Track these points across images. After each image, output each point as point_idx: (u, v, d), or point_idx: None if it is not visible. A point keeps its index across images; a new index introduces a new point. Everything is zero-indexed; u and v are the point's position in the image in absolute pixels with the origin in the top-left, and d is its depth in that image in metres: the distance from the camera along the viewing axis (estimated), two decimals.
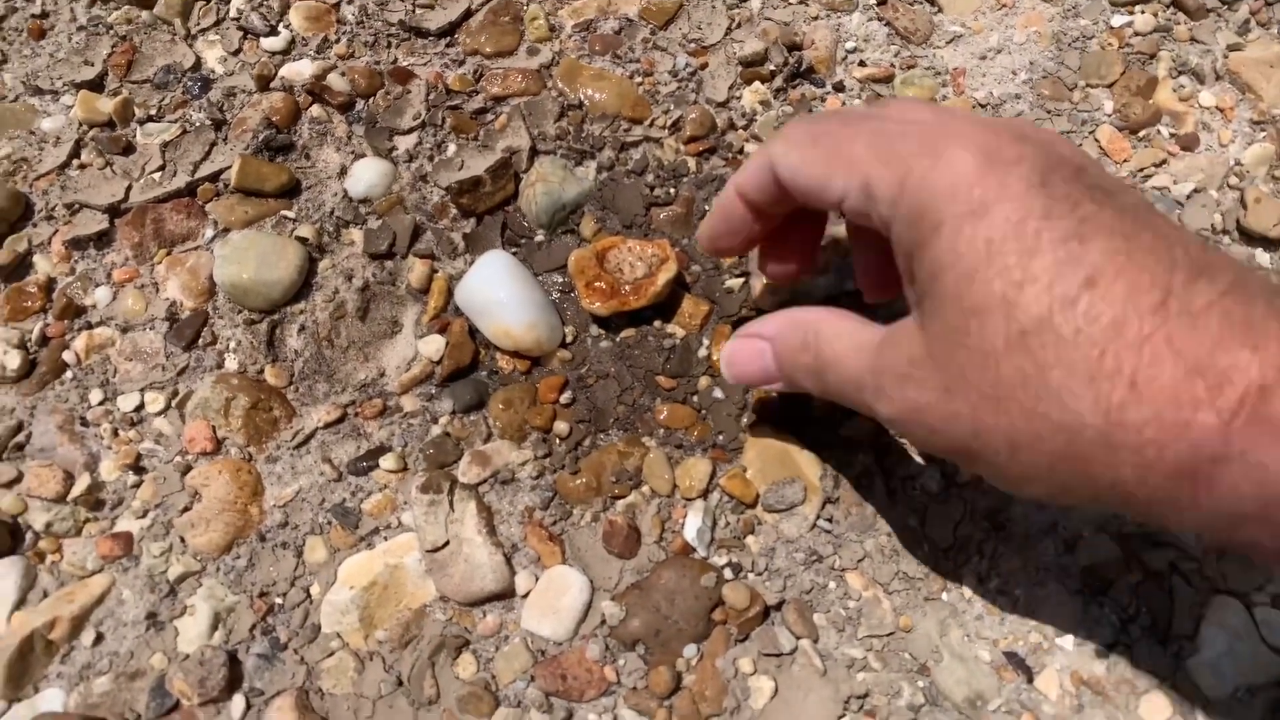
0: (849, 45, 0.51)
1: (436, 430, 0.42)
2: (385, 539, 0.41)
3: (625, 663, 0.38)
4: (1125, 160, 0.47)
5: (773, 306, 0.43)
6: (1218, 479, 0.23)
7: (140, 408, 0.43)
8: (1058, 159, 0.27)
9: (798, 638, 0.39)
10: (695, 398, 0.43)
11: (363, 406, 0.43)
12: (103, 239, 0.46)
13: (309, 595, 0.40)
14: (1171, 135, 0.48)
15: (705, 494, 0.41)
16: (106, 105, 0.48)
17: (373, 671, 0.39)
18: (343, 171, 0.47)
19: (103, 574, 0.40)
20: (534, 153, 0.47)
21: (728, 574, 0.40)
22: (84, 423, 0.42)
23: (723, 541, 0.40)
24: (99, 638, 0.39)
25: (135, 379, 0.43)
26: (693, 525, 0.40)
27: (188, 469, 0.42)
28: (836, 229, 0.43)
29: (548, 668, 0.38)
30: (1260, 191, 0.46)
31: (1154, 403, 0.24)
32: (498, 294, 0.42)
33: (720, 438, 0.42)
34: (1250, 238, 0.45)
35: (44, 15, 0.51)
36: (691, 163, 0.47)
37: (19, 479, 0.41)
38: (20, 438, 0.42)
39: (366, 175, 0.46)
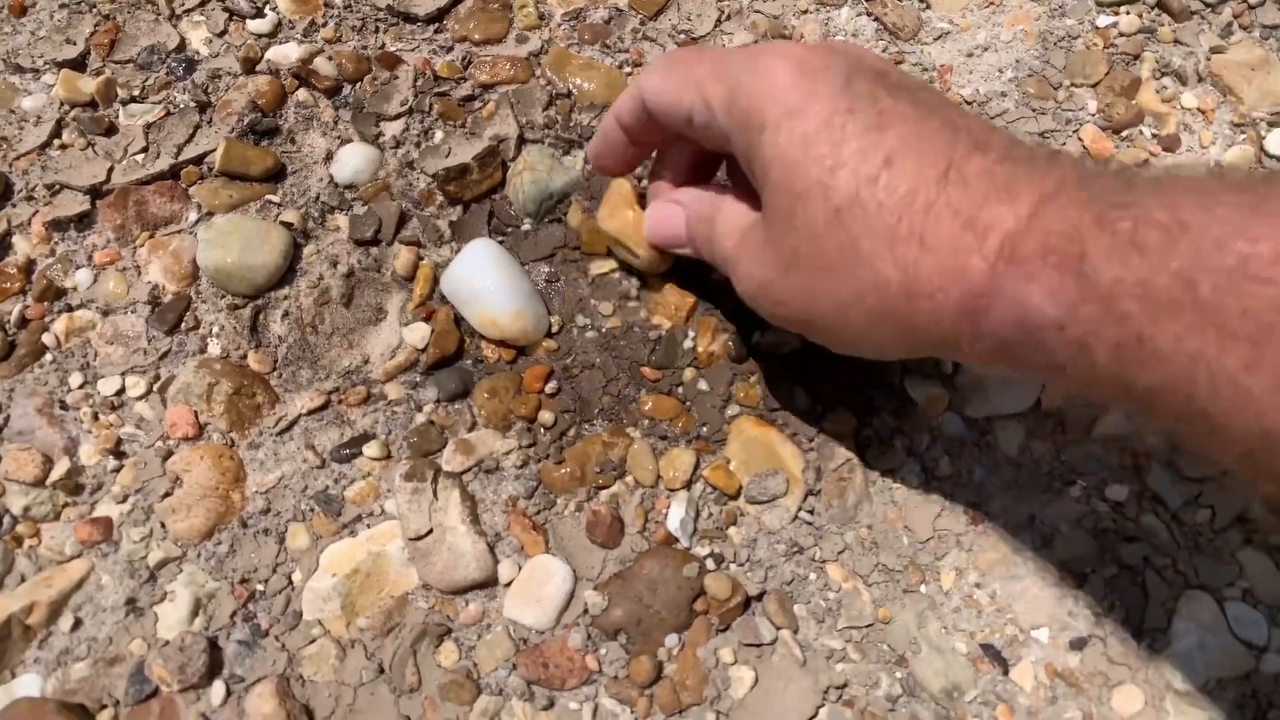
0: (837, 39, 0.51)
1: (421, 418, 0.42)
2: (368, 527, 0.41)
3: (607, 652, 0.39)
4: (1108, 160, 0.48)
5: None
6: (989, 312, 0.27)
7: (121, 392, 0.42)
8: (861, 65, 0.31)
9: (778, 628, 0.39)
10: (680, 389, 0.43)
11: (346, 394, 0.43)
12: (84, 220, 0.45)
13: (291, 582, 0.40)
14: (1154, 136, 0.49)
15: (688, 485, 0.41)
16: (88, 85, 0.47)
17: (354, 659, 0.39)
18: (329, 157, 0.47)
19: (81, 559, 0.40)
20: (522, 141, 0.47)
21: (710, 564, 0.40)
22: (63, 406, 0.42)
23: (705, 532, 0.41)
24: (77, 623, 0.39)
25: (116, 363, 0.43)
26: (676, 516, 0.40)
27: (169, 454, 0.41)
28: None
29: (529, 656, 0.38)
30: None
31: (938, 255, 0.28)
32: (484, 282, 0.42)
33: (704, 429, 0.42)
34: None
35: None
36: None
37: None
38: None
39: (352, 161, 0.46)
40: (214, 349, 0.43)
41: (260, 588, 0.40)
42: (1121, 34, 0.51)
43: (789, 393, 0.43)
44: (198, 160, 0.46)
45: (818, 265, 0.31)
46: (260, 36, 0.49)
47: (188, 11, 0.50)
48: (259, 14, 0.50)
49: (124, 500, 0.41)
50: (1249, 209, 0.23)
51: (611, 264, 0.45)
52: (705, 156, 0.41)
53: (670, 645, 0.39)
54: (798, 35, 0.50)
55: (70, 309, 0.44)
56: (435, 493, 0.40)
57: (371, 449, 0.41)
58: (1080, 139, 0.48)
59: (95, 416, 0.42)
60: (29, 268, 0.44)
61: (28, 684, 0.37)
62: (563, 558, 0.40)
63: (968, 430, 0.43)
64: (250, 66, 0.48)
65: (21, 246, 0.45)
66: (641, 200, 0.42)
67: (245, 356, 0.43)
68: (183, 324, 0.44)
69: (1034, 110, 0.49)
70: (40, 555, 0.40)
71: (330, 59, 0.48)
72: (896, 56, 0.50)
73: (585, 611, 0.39)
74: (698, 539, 0.41)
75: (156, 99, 0.48)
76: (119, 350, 0.43)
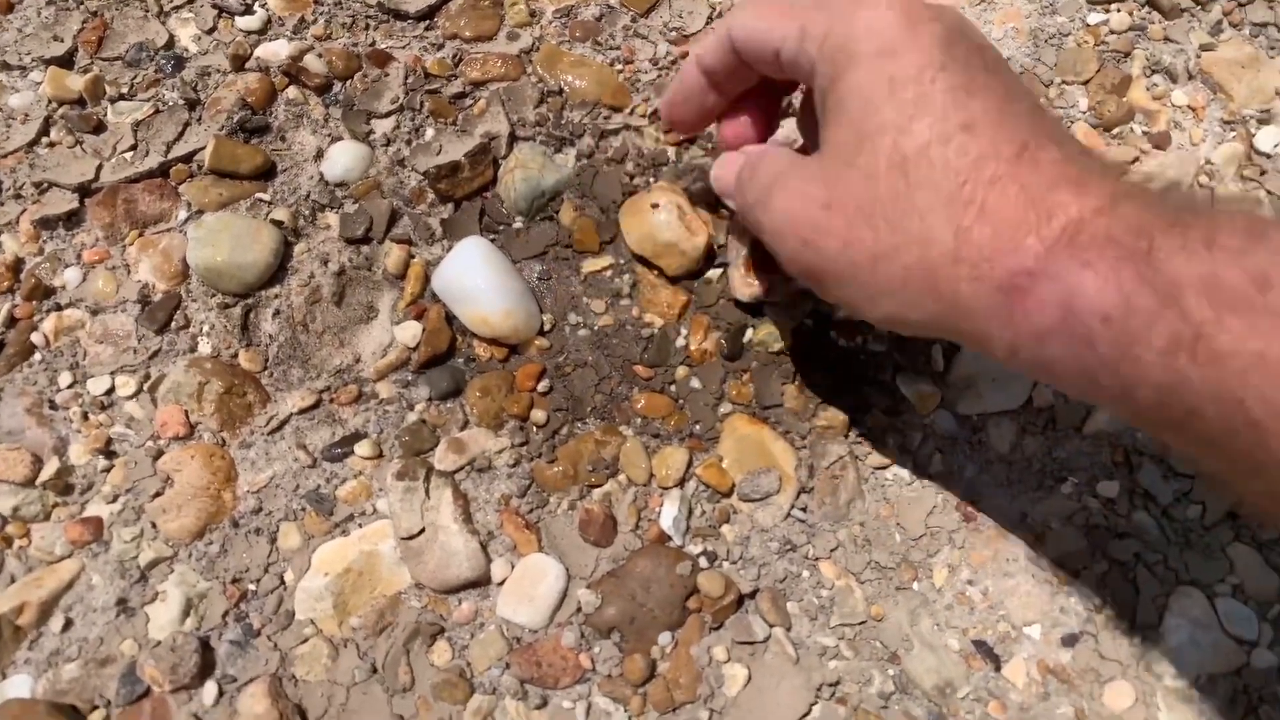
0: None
1: (413, 417, 0.42)
2: (360, 526, 0.41)
3: (600, 650, 0.39)
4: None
5: (750, 299, 0.43)
6: (1032, 292, 0.27)
7: (111, 391, 0.42)
8: (965, 32, 0.31)
9: (771, 626, 0.39)
10: (673, 387, 0.43)
11: (338, 392, 0.43)
12: (72, 219, 0.45)
13: (283, 582, 0.40)
14: (1144, 133, 0.49)
15: (681, 483, 0.41)
16: (76, 82, 0.47)
17: (347, 658, 0.39)
18: (319, 154, 0.47)
19: (72, 559, 0.40)
20: (513, 139, 0.47)
21: (703, 562, 0.40)
22: (53, 405, 0.42)
23: (698, 530, 0.41)
24: (68, 623, 0.39)
25: (106, 362, 0.43)
26: (669, 514, 0.40)
27: (159, 454, 0.41)
28: None
29: (523, 655, 0.38)
30: (1230, 190, 0.46)
31: (995, 225, 0.27)
32: (474, 281, 0.42)
33: (697, 427, 0.42)
34: None
35: None
36: (671, 151, 0.47)
37: None
38: None
39: (343, 159, 0.46)
40: (204, 348, 0.43)
41: (252, 587, 0.39)
42: (1112, 31, 0.51)
43: (781, 390, 0.43)
44: (187, 158, 0.46)
45: (866, 209, 0.30)
46: (250, 33, 0.49)
47: (176, 8, 0.50)
48: (248, 11, 0.49)
49: (114, 500, 0.40)
50: None
51: (604, 261, 0.45)
52: (768, 117, 0.40)
53: (663, 643, 0.39)
54: None
55: (59, 308, 0.43)
56: (427, 492, 0.40)
57: (363, 448, 0.41)
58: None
59: (85, 416, 0.42)
60: (17, 266, 0.44)
61: (18, 685, 0.37)
62: (556, 556, 0.40)
63: (960, 428, 0.43)
64: (240, 64, 0.48)
65: (10, 245, 0.44)
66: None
67: (236, 355, 0.43)
68: (173, 323, 0.43)
69: None
70: (30, 556, 0.40)
71: (320, 56, 0.48)
72: None
73: (578, 610, 0.39)
74: (691, 537, 0.41)
75: (145, 96, 0.47)
76: (108, 349, 0.43)
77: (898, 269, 0.30)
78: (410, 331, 0.43)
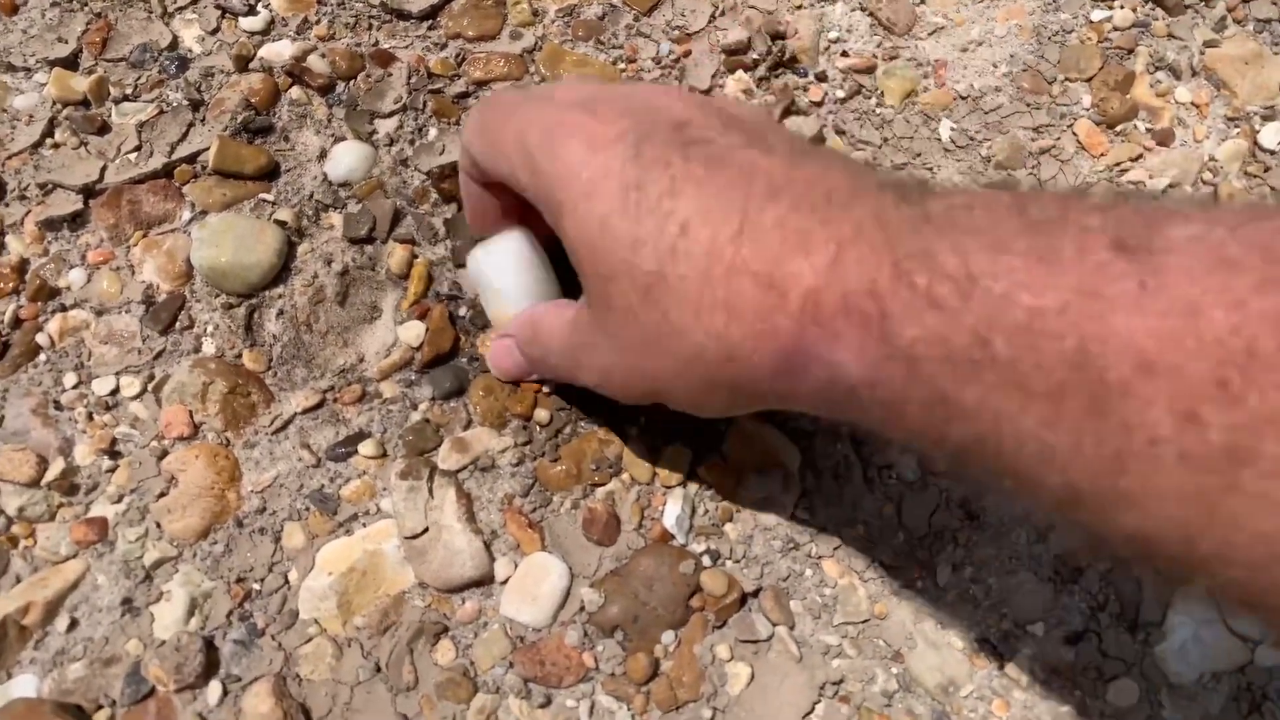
0: (832, 35, 0.51)
1: (416, 416, 0.42)
2: (364, 525, 0.41)
3: (603, 649, 0.39)
4: (1102, 154, 0.48)
5: None
6: (805, 372, 0.27)
7: (116, 391, 0.42)
8: (654, 125, 0.30)
9: (774, 624, 0.39)
10: None
11: (342, 392, 0.43)
12: (77, 220, 0.45)
13: (287, 581, 0.40)
14: (1148, 130, 0.49)
15: (685, 482, 0.41)
16: (81, 83, 0.47)
17: (351, 658, 0.39)
18: (322, 154, 0.47)
19: (77, 559, 0.40)
20: None
21: (706, 561, 0.40)
22: (58, 406, 0.42)
23: (701, 529, 0.41)
24: (73, 623, 0.39)
25: (110, 362, 0.43)
26: (672, 513, 0.41)
27: (164, 454, 0.41)
28: None
29: (526, 654, 0.38)
30: (1233, 187, 0.46)
31: (744, 320, 0.27)
32: (505, 280, 0.41)
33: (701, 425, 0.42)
34: None
35: None
36: None
37: None
38: None
39: (346, 159, 0.46)
40: (208, 348, 0.43)
41: (256, 587, 0.40)
42: (1115, 28, 0.51)
43: None
44: (191, 159, 0.46)
45: (643, 343, 0.30)
46: (253, 34, 0.49)
47: (180, 9, 0.50)
48: (252, 11, 0.49)
49: (119, 500, 0.41)
50: (1036, 256, 0.22)
51: None
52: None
53: (667, 642, 0.39)
54: (792, 30, 0.50)
55: (64, 309, 0.44)
56: (431, 491, 0.40)
57: (367, 447, 0.41)
58: (1075, 133, 0.48)
59: (90, 416, 0.42)
60: (22, 267, 0.44)
61: (24, 685, 0.37)
62: (559, 555, 0.40)
63: None
64: (243, 64, 0.48)
65: (14, 246, 0.44)
66: None
67: (240, 355, 0.43)
68: (177, 323, 0.44)
69: (1028, 105, 0.49)
70: (35, 556, 0.40)
71: (323, 56, 0.48)
72: (890, 51, 0.50)
73: (582, 609, 0.39)
74: (694, 536, 0.41)
75: (149, 97, 0.48)
76: (113, 350, 0.43)
77: (695, 382, 0.30)
78: (414, 331, 0.43)
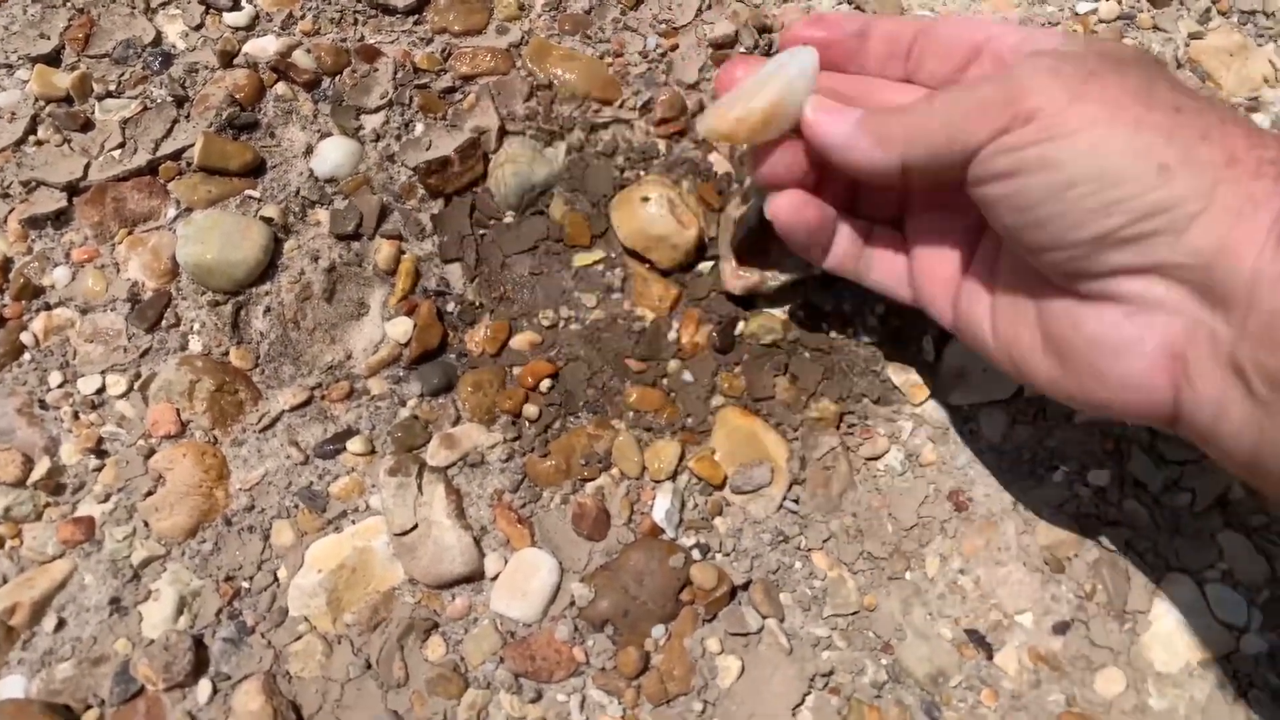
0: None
1: (405, 413, 0.42)
2: (353, 522, 0.41)
3: (594, 643, 0.39)
4: None
5: (742, 292, 0.43)
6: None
7: (101, 390, 0.42)
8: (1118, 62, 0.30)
9: (764, 617, 0.39)
10: (665, 380, 0.43)
11: (330, 389, 0.43)
12: (61, 218, 0.45)
13: (276, 579, 0.40)
14: None
15: (674, 476, 0.41)
16: (63, 80, 0.47)
17: (341, 654, 0.39)
18: (308, 150, 0.47)
19: (64, 559, 0.39)
20: (503, 133, 0.47)
21: (695, 555, 0.40)
22: (43, 405, 0.42)
23: (691, 523, 0.41)
24: (61, 623, 0.38)
25: (96, 361, 0.43)
26: (661, 507, 0.41)
27: (151, 452, 0.41)
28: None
29: (517, 649, 0.38)
30: None
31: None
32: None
33: (689, 420, 0.42)
34: None
35: None
36: (661, 145, 0.47)
37: None
38: None
39: (333, 155, 0.46)
40: (195, 346, 0.43)
41: (245, 585, 0.40)
42: (1101, 20, 0.51)
43: (773, 382, 0.43)
44: (176, 155, 0.46)
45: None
46: (237, 30, 0.49)
47: (164, 5, 0.50)
48: (236, 7, 0.49)
49: (106, 499, 0.40)
50: None
51: (595, 255, 0.45)
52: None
53: (657, 636, 0.39)
54: (779, 24, 0.50)
55: (48, 307, 0.43)
56: (420, 487, 0.40)
57: (355, 444, 0.41)
58: None
59: (76, 415, 0.42)
60: (6, 266, 0.44)
61: (12, 685, 0.37)
62: (549, 550, 0.40)
63: (951, 417, 0.43)
64: (228, 60, 0.48)
65: None
66: None
67: (227, 353, 0.43)
68: (163, 321, 0.43)
69: None
70: (22, 556, 0.39)
71: (309, 52, 0.48)
72: None
73: (572, 604, 0.39)
74: (683, 530, 0.41)
75: (133, 94, 0.47)
76: (99, 348, 0.43)
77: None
78: (401, 327, 0.43)
